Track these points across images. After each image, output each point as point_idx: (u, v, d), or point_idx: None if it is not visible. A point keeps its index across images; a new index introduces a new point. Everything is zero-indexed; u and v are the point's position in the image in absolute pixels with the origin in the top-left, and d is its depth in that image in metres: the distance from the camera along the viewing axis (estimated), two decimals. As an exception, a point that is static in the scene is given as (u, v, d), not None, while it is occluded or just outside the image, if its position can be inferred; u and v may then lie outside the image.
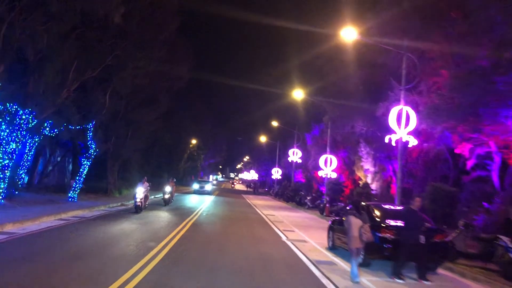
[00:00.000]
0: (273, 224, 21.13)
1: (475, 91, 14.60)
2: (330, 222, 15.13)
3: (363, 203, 12.91)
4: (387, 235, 10.72)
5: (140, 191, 20.69)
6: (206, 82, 50.21)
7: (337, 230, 13.89)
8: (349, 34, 18.23)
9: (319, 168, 35.45)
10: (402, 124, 17.34)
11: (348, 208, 24.51)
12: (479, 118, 15.25)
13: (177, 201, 31.82)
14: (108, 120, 28.16)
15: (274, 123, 53.01)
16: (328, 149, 31.95)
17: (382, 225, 11.07)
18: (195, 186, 50.06)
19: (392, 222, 11.16)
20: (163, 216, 20.68)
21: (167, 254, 10.75)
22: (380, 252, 10.85)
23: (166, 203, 26.50)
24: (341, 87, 26.10)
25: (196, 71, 40.84)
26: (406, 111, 17.40)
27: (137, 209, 20.55)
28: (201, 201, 34.09)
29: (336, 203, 29.78)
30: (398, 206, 13.70)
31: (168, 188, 26.85)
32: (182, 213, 23.04)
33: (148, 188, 21.82)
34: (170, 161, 57.44)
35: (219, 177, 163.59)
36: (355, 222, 10.43)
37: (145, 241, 12.64)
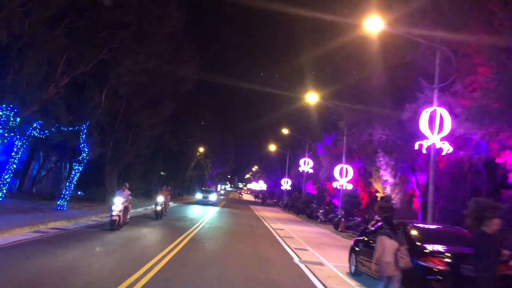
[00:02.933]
0: (283, 240, 18.72)
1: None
2: (352, 242, 12.69)
3: (396, 221, 10.46)
4: (434, 264, 8.27)
5: (118, 202, 16.46)
6: (214, 86, 48.08)
7: (361, 252, 11.48)
8: (374, 24, 15.90)
9: (331, 179, 33.01)
10: (436, 129, 14.91)
11: (369, 226, 22.11)
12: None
13: (176, 213, 28.95)
14: (106, 122, 26.04)
15: (285, 131, 50.65)
16: (344, 158, 29.51)
17: (426, 250, 8.60)
18: (198, 196, 46.66)
19: (437, 247, 8.70)
20: (152, 231, 17.50)
21: (147, 283, 8.39)
22: (422, 286, 8.39)
23: (158, 216, 22.47)
24: (360, 89, 23.70)
25: (203, 74, 38.59)
26: (440, 113, 14.99)
27: (113, 226, 16.11)
28: (203, 213, 31.37)
29: (352, 217, 27.27)
30: (440, 226, 11.21)
31: (160, 198, 22.79)
32: (178, 227, 19.94)
33: (130, 197, 17.64)
34: (176, 169, 55.24)
35: (227, 186, 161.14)
36: (389, 245, 8.15)
37: (123, 264, 10.25)
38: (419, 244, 8.89)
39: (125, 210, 17.12)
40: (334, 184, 31.95)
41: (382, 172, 27.27)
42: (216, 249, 14.34)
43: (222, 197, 75.64)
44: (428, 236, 9.33)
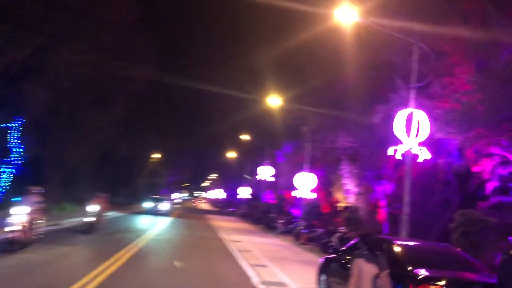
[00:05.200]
0: (240, 254, 16.76)
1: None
2: (322, 261, 10.83)
3: (376, 238, 8.75)
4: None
5: (19, 212, 12.27)
6: (171, 89, 45.18)
7: (333, 273, 9.65)
8: (344, 15, 14.26)
9: (292, 188, 31.48)
10: (412, 133, 13.42)
11: (332, 239, 20.56)
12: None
13: (119, 224, 25.32)
14: (46, 120, 23.26)
15: (244, 137, 48.80)
16: (306, 166, 28.02)
17: (420, 276, 6.86)
18: (146, 204, 40.61)
19: (432, 272, 7.00)
20: (78, 249, 14.08)
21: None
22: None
23: (88, 229, 18.27)
24: (326, 92, 22.23)
25: (160, 75, 36.03)
26: (417, 115, 13.51)
27: (11, 245, 11.88)
28: (153, 224, 27.90)
29: (314, 228, 25.63)
30: (423, 242, 9.53)
31: (93, 207, 18.81)
32: (118, 241, 16.61)
33: (42, 205, 13.73)
34: (128, 176, 52.19)
35: (184, 195, 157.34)
36: (367, 270, 6.57)
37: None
38: (410, 268, 7.14)
39: (31, 224, 12.72)
40: (293, 193, 30.45)
41: (345, 181, 25.99)
42: (161, 268, 12.16)
43: (178, 206, 72.49)
44: (418, 258, 7.62)
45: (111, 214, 28.10)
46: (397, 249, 7.92)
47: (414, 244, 8.55)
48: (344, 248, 9.63)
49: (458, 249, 8.89)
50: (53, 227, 18.66)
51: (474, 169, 15.06)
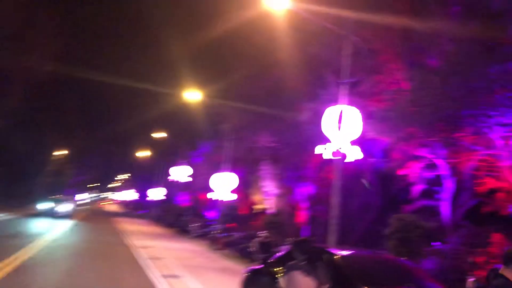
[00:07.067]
0: (150, 261, 14.92)
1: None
2: (247, 272, 9.34)
3: (315, 246, 7.47)
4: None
5: None
6: (77, 81, 41.08)
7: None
8: (274, 1, 13.06)
9: (209, 189, 30.06)
10: (343, 131, 12.52)
11: (251, 244, 19.26)
12: (455, 125, 11.05)
13: (4, 228, 21.78)
14: None
15: (159, 135, 46.35)
16: (225, 166, 26.70)
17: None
18: (42, 206, 35.84)
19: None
20: None
21: None
22: None
23: None
24: (249, 88, 21.06)
25: (63, 65, 32.22)
26: (348, 112, 12.64)
27: None
28: (50, 228, 24.33)
29: (231, 232, 24.28)
30: (358, 251, 8.47)
31: None
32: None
33: None
34: (25, 175, 47.04)
35: (92, 195, 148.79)
36: (304, 284, 5.46)
37: None
38: (359, 285, 5.91)
39: None
40: (209, 195, 29.00)
41: (264, 182, 25.09)
42: (50, 284, 9.92)
43: (84, 207, 67.47)
44: (365, 271, 6.44)
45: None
46: (339, 260, 6.69)
47: (357, 254, 7.43)
48: (276, 257, 8.25)
49: (402, 258, 7.97)
50: None
51: (400, 171, 14.60)
